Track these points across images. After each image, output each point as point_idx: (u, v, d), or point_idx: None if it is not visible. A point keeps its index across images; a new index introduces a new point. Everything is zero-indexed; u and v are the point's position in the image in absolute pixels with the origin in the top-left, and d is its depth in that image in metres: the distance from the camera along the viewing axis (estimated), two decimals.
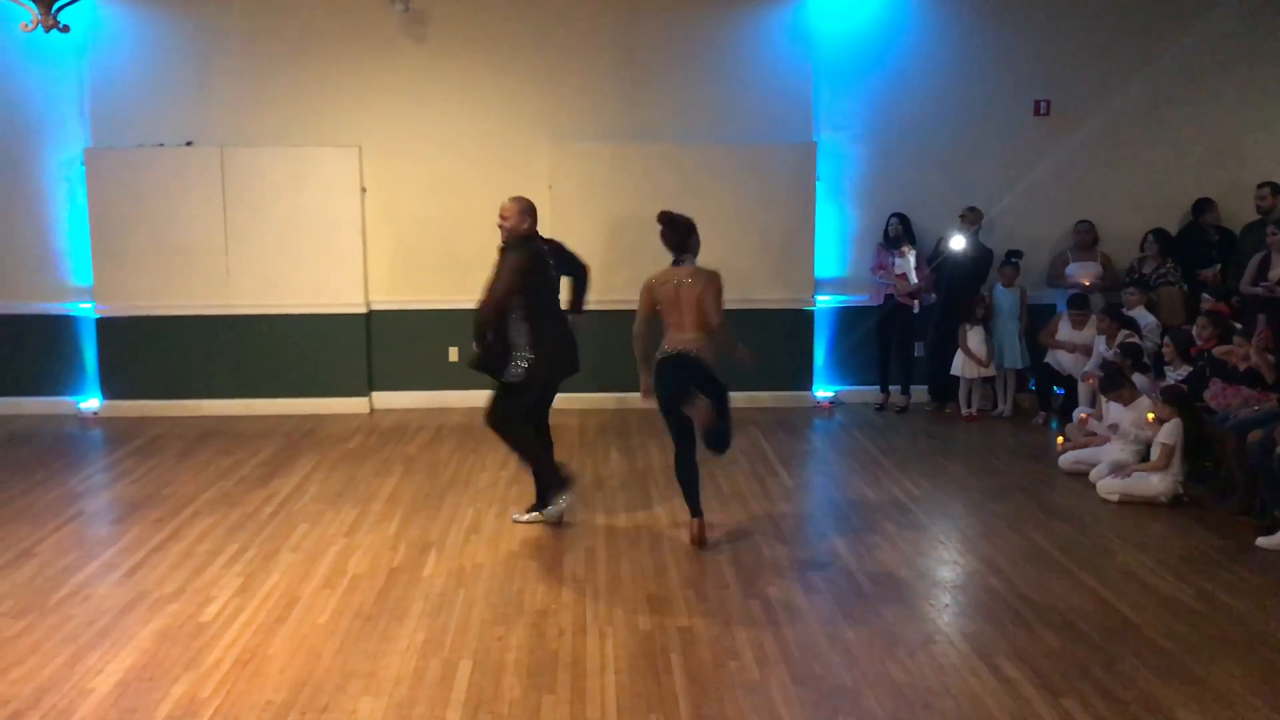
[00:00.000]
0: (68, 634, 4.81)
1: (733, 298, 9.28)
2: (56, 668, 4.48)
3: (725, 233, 9.35)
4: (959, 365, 9.10)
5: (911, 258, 9.06)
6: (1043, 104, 9.51)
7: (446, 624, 4.94)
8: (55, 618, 4.99)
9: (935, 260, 9.24)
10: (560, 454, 7.84)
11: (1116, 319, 8.30)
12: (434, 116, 9.38)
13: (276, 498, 6.89)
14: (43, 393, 9.42)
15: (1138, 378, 7.47)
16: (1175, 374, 7.47)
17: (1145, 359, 7.80)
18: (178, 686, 4.32)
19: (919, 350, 9.55)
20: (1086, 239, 9.34)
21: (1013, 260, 9.17)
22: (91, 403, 9.38)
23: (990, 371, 9.07)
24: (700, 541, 5.96)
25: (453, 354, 9.43)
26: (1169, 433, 6.77)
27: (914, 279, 9.06)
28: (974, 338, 9.00)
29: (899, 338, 9.35)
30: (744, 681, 4.37)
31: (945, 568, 5.73)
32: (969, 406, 9.12)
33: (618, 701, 4.20)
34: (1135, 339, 8.01)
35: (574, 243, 7.29)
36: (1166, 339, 7.81)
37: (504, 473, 7.49)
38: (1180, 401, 6.85)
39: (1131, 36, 9.44)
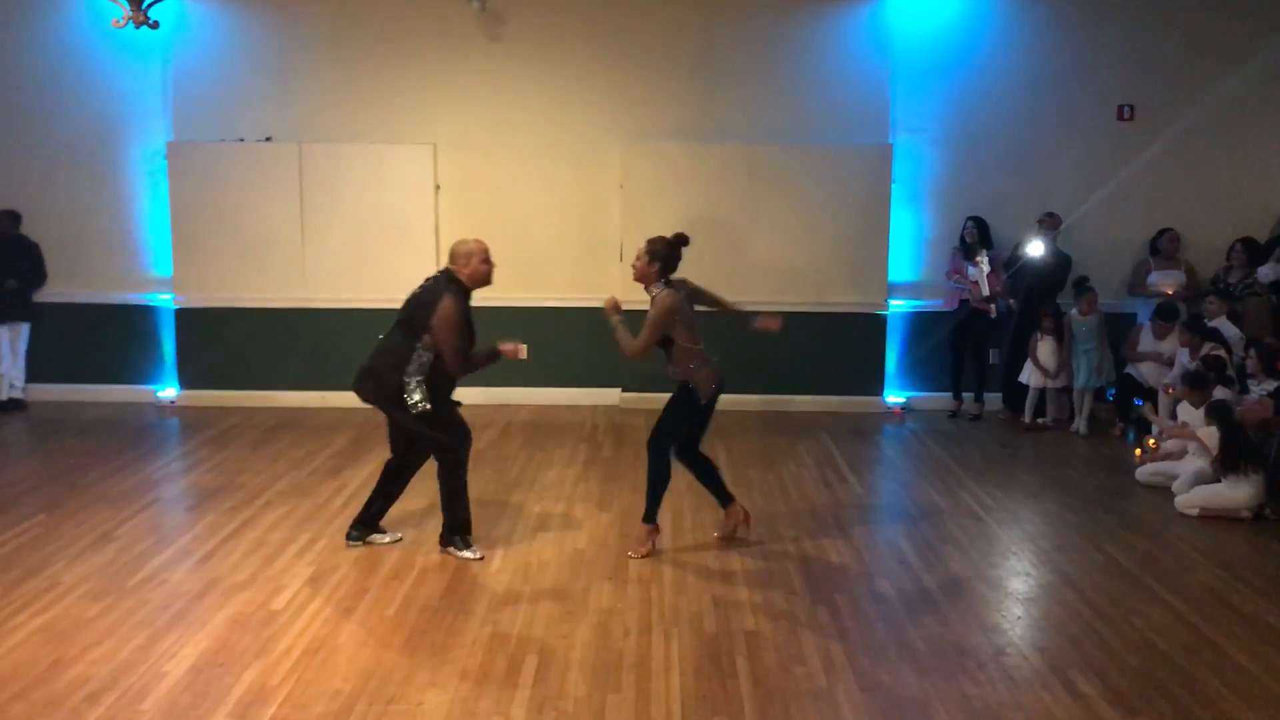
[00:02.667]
0: (144, 617, 4.91)
1: (804, 300, 9.34)
2: (133, 650, 4.57)
3: (798, 235, 9.33)
4: (1027, 374, 8.93)
5: (985, 265, 8.91)
6: (1126, 109, 9.30)
7: (513, 620, 4.95)
8: (132, 601, 5.09)
9: (1013, 266, 9.08)
10: (626, 454, 7.88)
11: (1199, 332, 8.07)
12: (508, 115, 9.43)
13: (347, 489, 6.97)
14: (123, 381, 9.64)
15: (1221, 391, 7.28)
16: (1260, 388, 7.26)
17: (1229, 372, 7.59)
18: (249, 673, 4.38)
19: (994, 358, 9.40)
20: (1170, 247, 9.12)
21: (1087, 286, 8.83)
22: (169, 391, 9.58)
23: (1057, 383, 8.88)
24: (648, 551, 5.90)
25: (522, 351, 9.45)
26: (1209, 435, 6.74)
27: (986, 289, 8.91)
28: (1044, 348, 8.82)
29: (974, 344, 9.20)
30: (811, 688, 4.32)
31: (1018, 579, 5.62)
32: (1032, 416, 8.92)
33: (682, 703, 4.18)
34: (1221, 351, 7.79)
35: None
36: (1251, 351, 7.59)
37: (570, 471, 7.51)
38: (1223, 417, 6.72)
39: (1219, 40, 9.20)
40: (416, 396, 5.57)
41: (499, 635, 4.77)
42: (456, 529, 5.83)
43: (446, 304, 5.53)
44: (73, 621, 4.85)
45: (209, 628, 4.80)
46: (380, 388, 5.68)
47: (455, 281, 5.67)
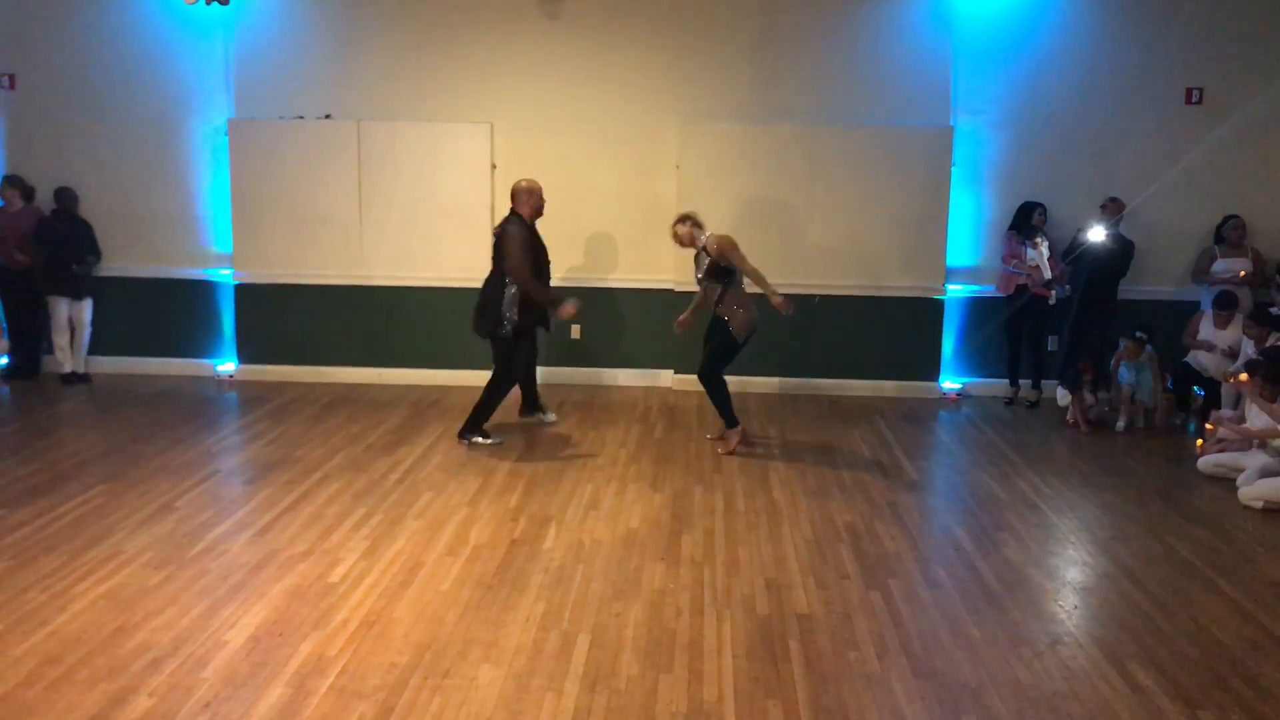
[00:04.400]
0: (204, 587, 4.99)
1: (861, 284, 9.29)
2: (193, 619, 4.65)
3: (856, 218, 9.25)
4: (1064, 398, 8.69)
5: (1045, 249, 8.77)
6: (1195, 92, 9.10)
7: (565, 598, 4.97)
8: (193, 571, 5.18)
9: (1073, 252, 8.93)
10: (678, 436, 7.90)
11: (1265, 322, 7.89)
12: (565, 95, 9.43)
13: (402, 465, 7.04)
14: (183, 355, 9.80)
15: None
16: None
17: None
18: (306, 644, 4.44)
19: (1052, 345, 9.26)
20: (1235, 234, 8.93)
21: (1138, 337, 8.45)
22: (228, 366, 9.72)
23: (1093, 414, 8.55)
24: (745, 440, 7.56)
25: (575, 331, 9.51)
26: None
27: (1047, 272, 8.77)
28: (1087, 399, 8.56)
29: (1031, 331, 9.07)
30: (864, 673, 4.30)
31: (1075, 569, 5.55)
32: (1072, 418, 8.57)
33: (735, 685, 4.18)
34: None
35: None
36: None
37: (623, 450, 7.52)
38: None
39: None
40: (506, 322, 7.32)
41: (552, 613, 4.80)
42: (472, 427, 7.52)
43: (510, 230, 7.38)
44: (135, 590, 4.94)
45: (267, 598, 4.88)
46: (483, 316, 7.40)
47: (516, 216, 7.47)
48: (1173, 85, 9.13)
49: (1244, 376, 7.06)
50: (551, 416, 8.21)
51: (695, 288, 7.65)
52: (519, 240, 7.32)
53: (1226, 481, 6.93)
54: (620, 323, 9.59)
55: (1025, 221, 8.96)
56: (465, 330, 9.54)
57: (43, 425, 8.02)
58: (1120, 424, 8.47)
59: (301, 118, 9.43)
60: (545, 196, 7.65)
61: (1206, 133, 9.09)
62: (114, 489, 6.40)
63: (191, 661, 4.26)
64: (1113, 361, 8.58)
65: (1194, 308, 8.88)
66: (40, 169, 9.60)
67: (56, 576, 5.07)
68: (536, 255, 7.55)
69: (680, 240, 7.48)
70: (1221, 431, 7.22)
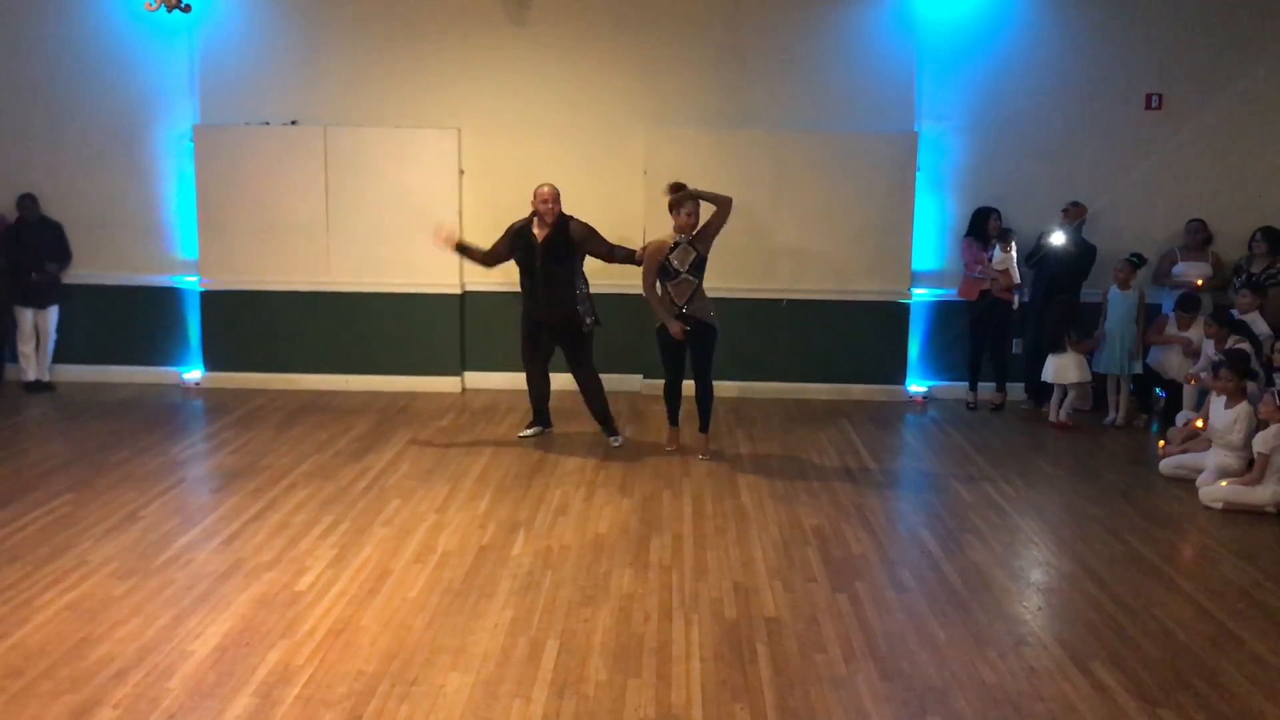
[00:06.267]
0: (169, 597, 4.96)
1: (827, 288, 9.36)
2: (159, 629, 4.62)
3: (822, 222, 9.30)
4: (1049, 373, 8.75)
5: (1014, 252, 8.86)
6: (1155, 98, 9.22)
7: (534, 604, 4.98)
8: (158, 581, 5.15)
9: (1035, 256, 9.02)
10: (646, 441, 7.90)
11: (1225, 324, 8.00)
12: (532, 100, 9.43)
13: (370, 472, 7.02)
14: (148, 362, 9.71)
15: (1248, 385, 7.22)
16: None
17: (1253, 365, 7.51)
18: (273, 653, 4.42)
19: (1017, 348, 9.34)
20: (1196, 238, 9.04)
21: (1132, 260, 8.72)
22: (194, 373, 9.64)
23: (1078, 377, 8.67)
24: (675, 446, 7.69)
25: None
26: (1264, 441, 6.58)
27: (1017, 275, 8.86)
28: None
29: (995, 335, 9.15)
30: (831, 675, 4.33)
31: (1039, 569, 5.62)
32: (1058, 415, 8.71)
33: (703, 689, 4.20)
34: (1245, 344, 7.71)
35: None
36: (1278, 344, 7.52)
37: (591, 455, 7.53)
38: None
39: (1250, 29, 9.10)
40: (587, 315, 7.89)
41: (520, 619, 4.80)
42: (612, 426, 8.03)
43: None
44: (100, 600, 4.91)
45: (234, 608, 4.85)
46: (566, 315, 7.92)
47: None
48: (1133, 90, 9.24)
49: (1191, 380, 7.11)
50: (530, 433, 8.13)
51: (657, 289, 7.48)
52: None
53: (1188, 482, 7.02)
54: None
55: (982, 226, 9.05)
56: (433, 336, 9.58)
57: (5, 434, 7.93)
58: (1109, 418, 8.72)
59: (267, 123, 9.38)
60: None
61: (1166, 137, 9.22)
62: (78, 498, 6.35)
63: (157, 672, 4.24)
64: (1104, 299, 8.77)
65: (1155, 310, 8.97)
66: (3, 176, 9.50)
67: (20, 587, 5.03)
68: (526, 253, 7.71)
69: (686, 225, 7.33)
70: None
